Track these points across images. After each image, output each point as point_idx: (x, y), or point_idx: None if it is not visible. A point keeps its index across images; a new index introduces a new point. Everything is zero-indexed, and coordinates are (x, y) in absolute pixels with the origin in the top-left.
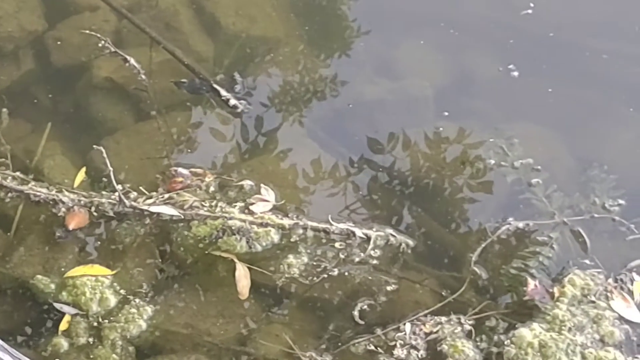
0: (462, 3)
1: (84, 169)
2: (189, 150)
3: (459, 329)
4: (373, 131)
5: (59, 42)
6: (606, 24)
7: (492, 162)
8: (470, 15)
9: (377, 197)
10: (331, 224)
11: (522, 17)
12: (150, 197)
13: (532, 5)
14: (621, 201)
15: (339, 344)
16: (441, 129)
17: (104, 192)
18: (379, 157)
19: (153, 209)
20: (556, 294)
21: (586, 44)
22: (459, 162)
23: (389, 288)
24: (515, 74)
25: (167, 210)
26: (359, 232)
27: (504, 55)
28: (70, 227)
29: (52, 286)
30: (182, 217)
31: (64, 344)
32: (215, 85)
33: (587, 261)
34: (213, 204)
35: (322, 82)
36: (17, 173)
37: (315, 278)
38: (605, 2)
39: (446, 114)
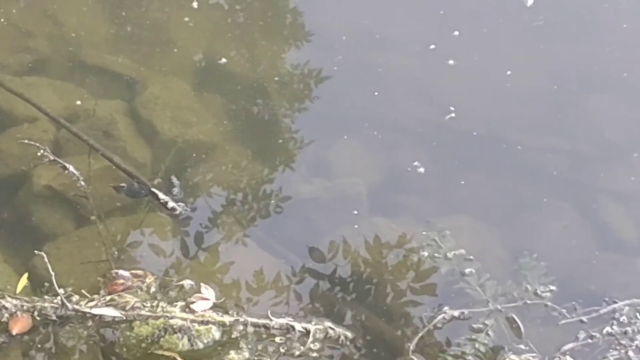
0: (391, 107)
1: (26, 275)
2: (130, 253)
3: None
4: (309, 228)
5: None
6: (528, 120)
7: (426, 254)
8: (399, 117)
9: (316, 292)
10: (271, 319)
11: (448, 119)
12: (92, 300)
13: (452, 108)
14: (552, 287)
15: None
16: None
17: (46, 297)
18: (316, 253)
19: (95, 311)
20: None
21: (511, 140)
22: (393, 255)
23: None
24: (442, 170)
25: (109, 312)
26: (298, 326)
27: (432, 153)
28: (14, 332)
29: None
30: (124, 317)
31: None
32: (153, 189)
33: (522, 346)
34: (154, 304)
35: (258, 183)
36: None
37: None
38: (522, 100)
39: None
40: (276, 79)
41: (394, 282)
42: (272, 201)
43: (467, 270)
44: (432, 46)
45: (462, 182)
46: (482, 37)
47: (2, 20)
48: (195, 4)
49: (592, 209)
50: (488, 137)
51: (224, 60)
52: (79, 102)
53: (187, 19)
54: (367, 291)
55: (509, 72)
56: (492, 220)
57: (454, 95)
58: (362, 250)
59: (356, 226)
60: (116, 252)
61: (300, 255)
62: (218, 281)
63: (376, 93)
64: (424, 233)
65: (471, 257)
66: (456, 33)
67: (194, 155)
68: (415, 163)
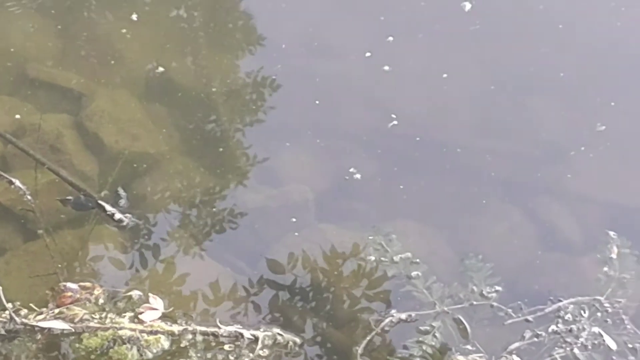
0: (333, 115)
1: None
2: (78, 266)
3: None
4: (256, 236)
5: None
6: (468, 123)
7: (373, 258)
8: (341, 125)
9: (264, 299)
10: (219, 327)
11: (391, 127)
12: (41, 313)
13: (394, 116)
14: (498, 288)
15: None
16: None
17: None
18: (263, 262)
19: (44, 324)
20: None
21: (452, 143)
22: (340, 260)
23: None
24: (387, 176)
25: (58, 325)
26: (247, 334)
27: (376, 159)
28: None
29: None
30: (73, 330)
31: None
32: (100, 201)
33: (469, 347)
34: (103, 315)
35: (205, 193)
36: None
37: None
38: (460, 104)
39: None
40: (220, 89)
41: (341, 286)
42: (221, 210)
43: (413, 273)
44: (368, 54)
45: (407, 187)
46: (417, 42)
47: None
48: (134, 17)
49: (535, 210)
50: (430, 142)
51: (169, 71)
52: (17, 116)
53: (125, 30)
54: (314, 296)
55: (445, 76)
56: (438, 224)
57: (394, 101)
58: (310, 257)
59: (303, 233)
60: (64, 265)
61: (249, 264)
62: (167, 291)
63: (317, 102)
64: (370, 238)
65: (417, 260)
66: (390, 39)
67: (141, 167)
68: (352, 170)
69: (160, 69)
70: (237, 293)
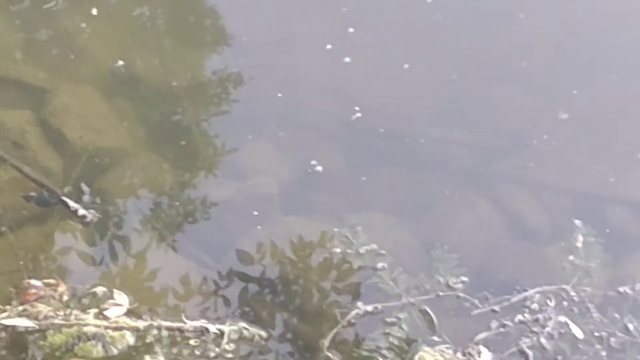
0: (296, 107)
1: None
2: (42, 262)
3: None
4: (220, 229)
5: None
6: (434, 114)
7: (338, 250)
8: (305, 117)
9: (229, 292)
10: (184, 322)
11: (355, 119)
12: (5, 311)
13: (357, 108)
14: (464, 278)
15: None
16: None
17: None
18: (228, 256)
19: (7, 322)
20: None
21: (416, 134)
22: (305, 253)
23: None
24: (352, 167)
25: (22, 322)
26: (212, 328)
27: (341, 151)
28: None
29: None
30: (38, 327)
31: None
32: (63, 198)
33: (435, 338)
34: (67, 312)
35: (170, 187)
36: None
37: None
38: (423, 94)
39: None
40: (183, 83)
41: (307, 279)
42: (186, 204)
43: (379, 265)
44: (329, 46)
45: (373, 179)
46: (378, 33)
47: None
48: (94, 11)
49: (500, 199)
50: (394, 133)
51: (132, 66)
52: None
53: (85, 25)
54: (281, 290)
55: (406, 66)
56: (404, 215)
57: (356, 93)
58: (276, 250)
59: (268, 226)
60: (29, 262)
61: (215, 258)
62: (132, 286)
63: (279, 94)
64: (336, 230)
65: (383, 251)
66: (351, 30)
67: (106, 162)
68: (313, 162)
69: (121, 62)
70: (203, 287)
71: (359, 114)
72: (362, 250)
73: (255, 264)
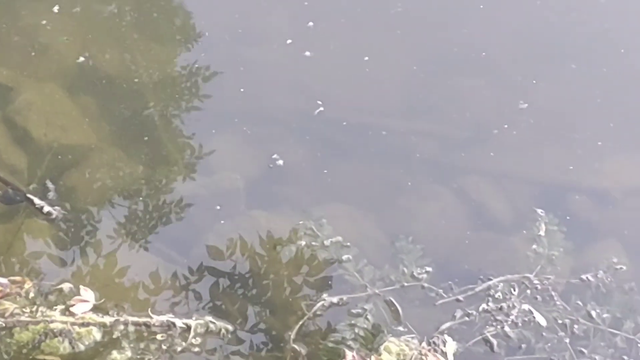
0: (259, 102)
1: None
2: (9, 260)
3: None
4: (187, 225)
5: None
6: (395, 105)
7: (303, 243)
8: (268, 112)
9: (196, 287)
10: (151, 317)
11: (318, 113)
12: None
13: (320, 102)
14: (428, 268)
15: None
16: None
17: None
18: (195, 251)
19: None
20: None
21: (379, 126)
22: (272, 246)
23: None
24: (317, 161)
25: None
26: (179, 322)
27: (304, 145)
28: None
29: None
30: (4, 325)
31: None
32: (28, 195)
33: (401, 328)
34: (34, 309)
35: (136, 183)
36: None
37: None
38: (384, 86)
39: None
40: (146, 78)
41: (272, 272)
42: (151, 200)
43: (344, 257)
44: (289, 40)
45: (337, 171)
46: (338, 26)
47: None
48: (56, 8)
49: (463, 189)
50: (356, 125)
51: (95, 62)
52: None
53: (46, 22)
54: (247, 283)
55: (366, 58)
56: (369, 207)
57: (318, 87)
58: (242, 244)
59: (235, 221)
60: None
61: (181, 253)
62: (98, 282)
63: (242, 89)
64: (300, 222)
65: (348, 243)
66: (311, 24)
67: (71, 159)
68: (275, 156)
69: (82, 58)
70: (169, 282)
71: (321, 108)
72: (327, 242)
73: (222, 258)
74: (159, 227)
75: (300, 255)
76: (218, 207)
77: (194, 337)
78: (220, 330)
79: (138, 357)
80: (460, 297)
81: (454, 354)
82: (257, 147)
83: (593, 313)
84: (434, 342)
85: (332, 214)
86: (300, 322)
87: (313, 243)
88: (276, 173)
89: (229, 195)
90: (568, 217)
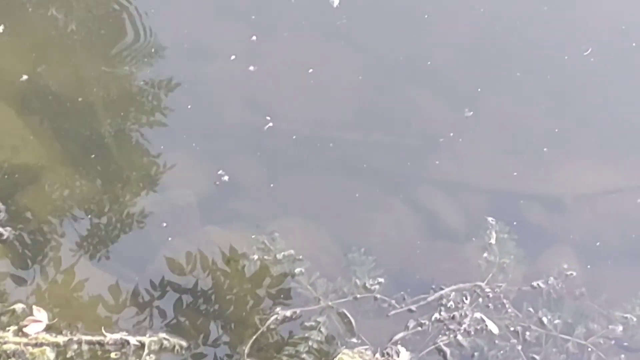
0: (207, 118)
1: None
2: None
3: None
4: (140, 242)
5: None
6: (343, 117)
7: (256, 257)
8: (217, 128)
9: (150, 304)
10: (105, 335)
11: (267, 129)
12: None
13: (268, 118)
14: (381, 279)
15: None
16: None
17: None
18: (150, 268)
19: None
20: None
21: (329, 138)
22: (225, 261)
23: None
24: (270, 175)
25: None
26: (132, 340)
27: (255, 159)
28: None
29: None
30: None
31: None
32: None
33: (354, 340)
34: None
35: (88, 202)
36: None
37: None
38: (332, 98)
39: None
40: (96, 96)
41: (228, 287)
42: (104, 218)
43: (297, 270)
44: (233, 56)
45: (289, 185)
46: (282, 39)
47: None
48: (0, 28)
49: (415, 200)
50: (306, 139)
51: (44, 80)
52: None
53: None
54: (201, 299)
55: (310, 71)
56: (321, 220)
57: (265, 101)
58: (195, 260)
59: (188, 237)
60: None
61: (136, 270)
62: (52, 302)
63: (189, 106)
64: (253, 237)
65: (301, 256)
66: (254, 38)
67: (22, 179)
68: (220, 172)
69: (25, 77)
70: (124, 300)
71: (270, 124)
72: (279, 256)
73: (176, 274)
74: (112, 245)
75: (253, 269)
76: (165, 225)
77: (148, 354)
78: (174, 346)
79: None
80: (413, 307)
81: None
82: (206, 164)
83: (545, 319)
84: (387, 353)
85: (284, 227)
86: (254, 336)
87: (266, 257)
88: (228, 189)
89: (182, 212)
90: (518, 225)
